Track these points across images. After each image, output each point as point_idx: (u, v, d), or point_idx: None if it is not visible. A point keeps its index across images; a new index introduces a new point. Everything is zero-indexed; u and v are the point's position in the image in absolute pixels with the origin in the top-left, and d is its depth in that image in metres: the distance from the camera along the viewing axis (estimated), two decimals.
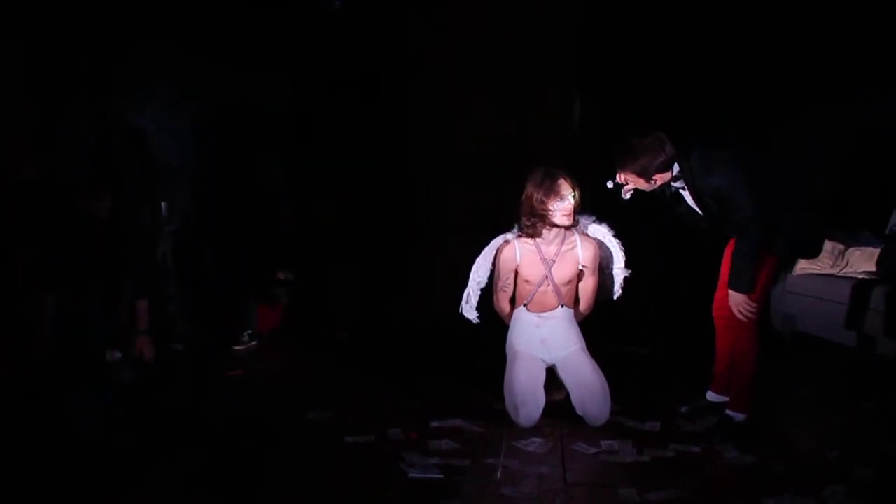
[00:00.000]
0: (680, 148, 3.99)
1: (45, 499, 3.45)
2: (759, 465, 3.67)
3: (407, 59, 6.48)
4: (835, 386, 4.81)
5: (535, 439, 3.95)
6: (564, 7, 6.47)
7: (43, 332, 4.73)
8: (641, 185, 4.04)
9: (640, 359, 5.40)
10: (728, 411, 4.09)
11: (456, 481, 3.51)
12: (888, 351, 4.66)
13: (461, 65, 6.42)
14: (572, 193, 4.22)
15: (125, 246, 4.86)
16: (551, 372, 4.31)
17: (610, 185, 4.10)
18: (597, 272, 4.41)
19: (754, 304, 3.97)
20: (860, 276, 5.05)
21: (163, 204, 5.72)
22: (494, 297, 4.43)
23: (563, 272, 4.31)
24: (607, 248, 4.44)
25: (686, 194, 4.09)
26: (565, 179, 4.23)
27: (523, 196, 4.26)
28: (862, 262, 5.11)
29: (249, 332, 5.75)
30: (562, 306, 4.34)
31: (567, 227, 4.29)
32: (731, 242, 4.07)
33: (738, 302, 3.96)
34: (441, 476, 3.55)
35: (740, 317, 3.98)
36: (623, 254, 4.44)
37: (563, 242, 4.32)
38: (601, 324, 4.63)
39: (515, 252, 4.32)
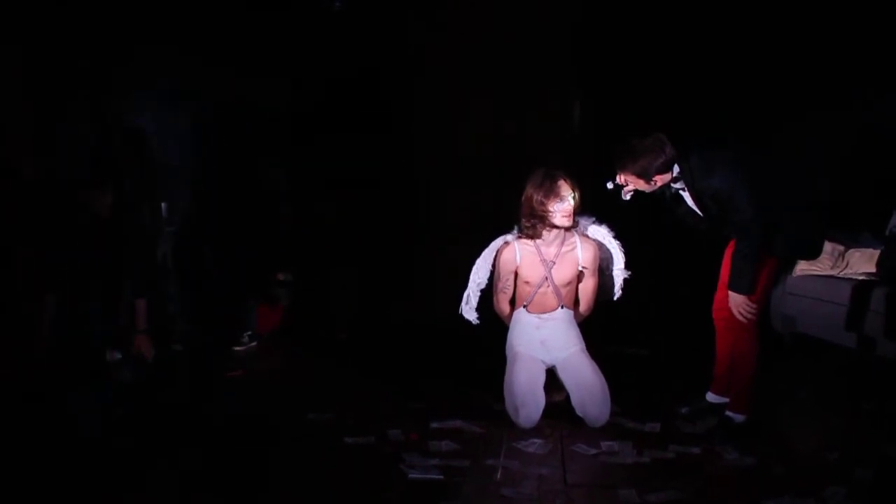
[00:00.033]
0: (680, 149, 3.99)
1: (46, 499, 3.45)
2: (759, 467, 3.67)
3: (407, 59, 6.48)
4: (835, 387, 4.81)
5: (536, 440, 3.95)
6: (564, 8, 6.47)
7: (43, 332, 4.73)
8: (641, 186, 4.04)
9: (640, 360, 5.40)
10: (728, 412, 4.09)
11: (456, 482, 3.51)
12: (888, 352, 4.67)
13: (461, 65, 6.42)
14: (572, 195, 4.22)
15: (125, 244, 4.86)
16: (551, 373, 4.31)
17: (610, 186, 4.10)
18: (597, 273, 4.41)
19: (754, 306, 3.97)
20: (860, 278, 5.05)
21: (163, 205, 5.71)
22: (494, 298, 4.43)
23: (562, 273, 4.31)
24: (607, 250, 4.44)
25: (686, 195, 4.09)
26: (565, 181, 4.23)
27: (523, 197, 4.26)
28: (862, 263, 5.11)
29: (249, 332, 5.75)
30: (562, 307, 4.34)
31: (567, 229, 4.29)
32: (731, 244, 4.07)
33: (738, 303, 3.96)
34: (441, 477, 3.55)
35: (740, 318, 3.98)
36: (623, 255, 4.44)
37: (562, 244, 4.32)
38: (601, 325, 4.63)
39: (515, 253, 4.32)
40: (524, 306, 4.37)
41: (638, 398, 4.49)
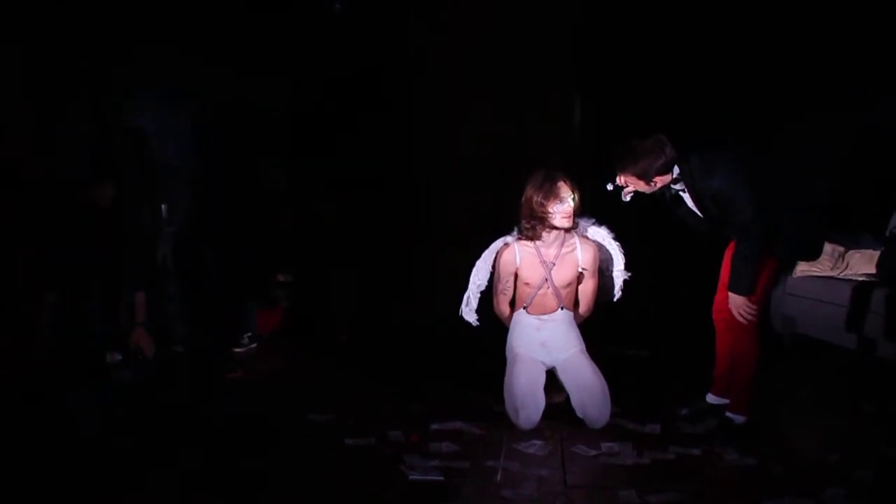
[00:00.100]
0: (680, 150, 3.99)
1: (46, 499, 3.45)
2: (759, 468, 3.68)
3: (407, 60, 6.48)
4: (835, 388, 4.81)
5: (536, 441, 3.95)
6: (564, 9, 6.47)
7: (42, 332, 4.73)
8: (641, 187, 4.04)
9: (640, 361, 5.39)
10: (728, 413, 4.09)
11: (456, 483, 3.51)
12: (888, 353, 4.67)
13: (461, 66, 6.42)
14: (572, 196, 4.22)
15: (125, 236, 4.85)
16: (551, 374, 4.31)
17: (610, 187, 4.11)
18: (596, 274, 4.41)
19: (754, 307, 3.97)
20: (860, 279, 5.05)
21: (163, 205, 5.71)
22: (494, 299, 4.43)
23: (562, 275, 4.31)
24: (607, 251, 4.44)
25: (686, 196, 4.09)
26: (565, 182, 4.23)
27: (523, 199, 4.26)
28: (862, 264, 5.12)
29: (249, 333, 5.75)
30: (562, 309, 4.34)
31: (567, 230, 4.29)
32: (731, 245, 4.07)
33: (738, 304, 3.96)
34: (441, 478, 3.55)
35: (740, 319, 3.98)
36: (623, 256, 4.44)
37: (562, 245, 4.32)
38: (601, 326, 4.63)
39: (515, 255, 4.32)
40: (524, 308, 4.37)
41: (638, 399, 4.48)
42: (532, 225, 4.25)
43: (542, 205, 4.19)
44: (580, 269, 4.35)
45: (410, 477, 3.56)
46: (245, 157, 6.13)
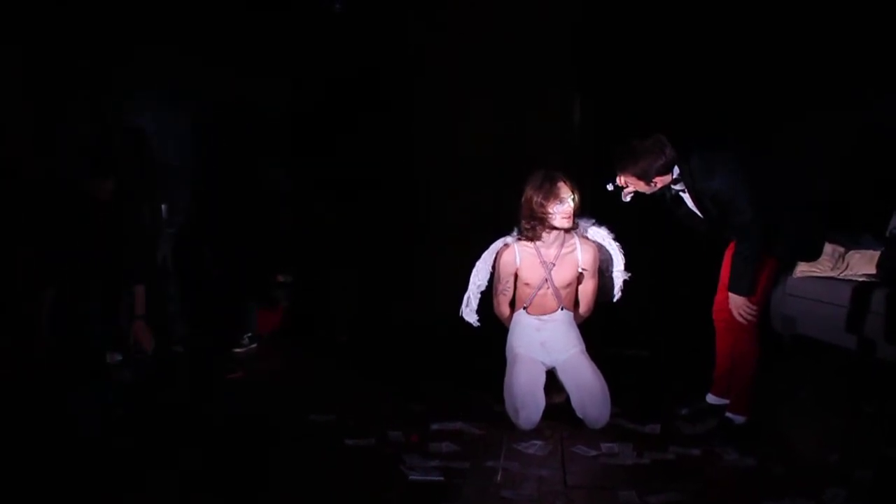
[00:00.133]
0: (680, 150, 3.98)
1: (46, 499, 3.45)
2: (759, 468, 3.67)
3: (407, 59, 6.49)
4: (835, 388, 4.81)
5: (536, 442, 3.95)
6: (564, 8, 6.47)
7: (42, 332, 4.73)
8: (641, 187, 4.04)
9: (640, 361, 5.40)
10: (728, 414, 4.09)
11: (456, 484, 3.51)
12: (888, 354, 4.67)
13: (461, 66, 6.43)
14: (572, 196, 4.22)
15: (124, 229, 4.86)
16: (551, 375, 4.31)
17: (610, 187, 4.11)
18: (596, 275, 4.40)
19: (754, 307, 3.97)
20: (860, 279, 5.05)
21: (163, 206, 5.71)
22: (494, 300, 4.42)
23: (562, 275, 4.31)
24: (607, 251, 4.44)
25: (686, 197, 4.08)
26: (565, 182, 4.23)
27: (523, 199, 4.25)
28: (862, 264, 5.12)
29: (250, 334, 5.75)
30: (562, 309, 4.34)
31: (567, 230, 4.29)
32: (732, 245, 4.07)
33: (738, 305, 3.96)
34: (441, 478, 3.55)
35: (740, 319, 3.97)
36: (623, 256, 4.43)
37: (562, 245, 4.32)
38: (601, 326, 4.63)
39: (515, 255, 4.32)
40: (524, 308, 4.37)
41: (638, 399, 4.49)
42: (532, 225, 4.25)
43: (542, 205, 4.19)
44: (580, 270, 4.35)
45: (410, 477, 3.56)
46: (245, 157, 6.13)
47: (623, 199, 4.12)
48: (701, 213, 4.07)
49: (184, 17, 5.95)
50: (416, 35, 6.52)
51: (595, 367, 4.22)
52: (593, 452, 3.85)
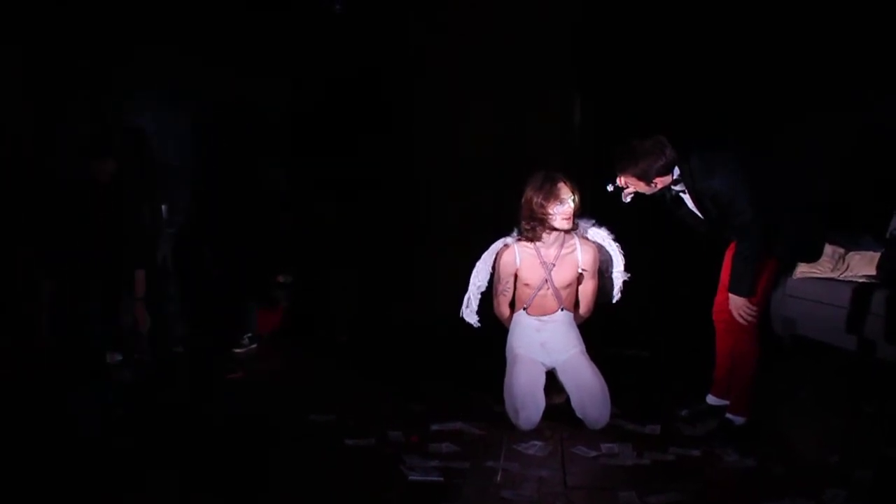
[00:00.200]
0: (680, 150, 3.98)
1: (46, 499, 3.44)
2: (759, 469, 3.67)
3: (407, 60, 6.49)
4: (835, 389, 4.81)
5: (536, 442, 3.95)
6: (564, 9, 6.48)
7: (42, 332, 4.74)
8: (642, 188, 4.04)
9: (639, 362, 5.40)
10: (728, 415, 4.09)
11: (456, 484, 3.51)
12: (888, 355, 4.66)
13: (461, 66, 6.43)
14: (572, 197, 4.22)
15: (125, 213, 4.86)
16: (551, 375, 4.30)
17: (610, 188, 4.10)
18: (596, 275, 4.40)
19: (755, 308, 3.97)
20: (860, 280, 5.05)
21: (163, 206, 5.71)
22: (494, 301, 4.42)
23: (562, 276, 4.31)
24: (607, 252, 4.44)
25: (686, 197, 4.08)
26: (565, 183, 4.23)
27: (523, 200, 4.25)
28: (862, 265, 5.12)
29: (250, 334, 5.75)
30: (562, 310, 4.34)
31: (567, 231, 4.29)
32: (732, 246, 4.07)
33: (738, 305, 3.96)
34: (441, 479, 3.55)
35: (740, 320, 3.97)
36: (622, 257, 4.43)
37: (562, 246, 4.32)
38: (601, 327, 4.63)
39: (515, 256, 4.32)
40: (524, 309, 4.37)
41: (638, 400, 4.48)
42: (532, 226, 4.25)
43: (543, 206, 4.19)
44: (580, 270, 4.35)
45: (410, 477, 3.56)
46: (245, 157, 6.13)
47: (623, 199, 4.12)
48: (701, 213, 4.07)
49: (184, 17, 5.95)
50: (417, 36, 6.52)
51: (595, 368, 4.22)
52: (593, 453, 3.84)
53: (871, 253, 5.14)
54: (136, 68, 5.90)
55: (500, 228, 4.46)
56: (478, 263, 4.42)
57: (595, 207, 4.56)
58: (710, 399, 4.30)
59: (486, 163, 6.32)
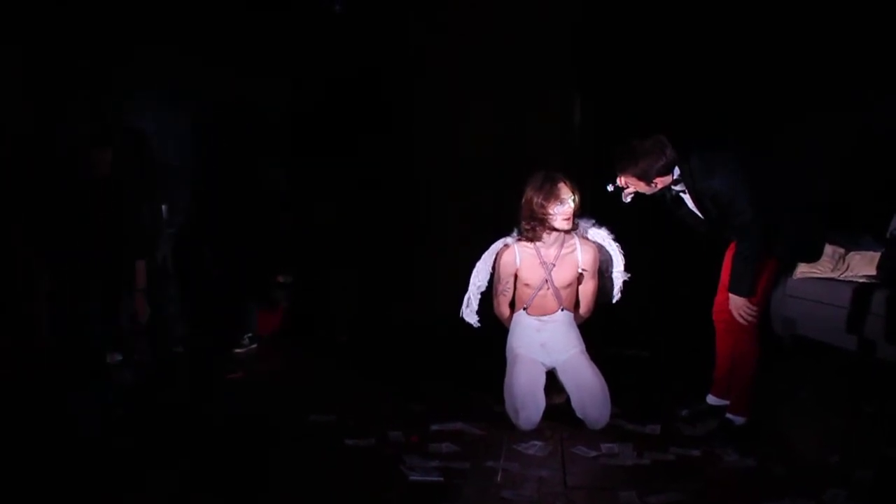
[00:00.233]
0: (680, 150, 3.98)
1: (46, 499, 3.45)
2: (759, 469, 3.67)
3: (407, 60, 6.48)
4: (835, 389, 4.81)
5: (536, 442, 3.95)
6: (564, 9, 6.47)
7: (42, 332, 4.74)
8: (642, 188, 4.04)
9: (640, 362, 5.40)
10: (728, 415, 4.09)
11: (456, 484, 3.51)
12: (888, 355, 4.66)
13: (461, 67, 6.42)
14: (572, 197, 4.22)
15: (125, 203, 4.86)
16: (551, 375, 4.30)
17: (610, 188, 4.10)
18: (596, 275, 4.40)
19: (755, 308, 3.97)
20: (861, 280, 5.05)
21: (163, 207, 5.71)
22: (494, 301, 4.42)
23: (562, 276, 4.31)
24: (607, 252, 4.44)
25: (686, 197, 4.08)
26: (565, 183, 4.23)
27: (523, 200, 4.25)
28: (862, 265, 5.11)
29: (250, 334, 5.75)
30: (562, 310, 4.34)
31: (567, 231, 4.28)
32: (732, 246, 4.07)
33: (738, 305, 3.96)
34: (441, 479, 3.55)
35: (741, 320, 3.97)
36: (623, 257, 4.43)
37: (562, 246, 4.32)
38: (601, 327, 4.63)
39: (515, 256, 4.32)
40: (524, 309, 4.37)
41: (638, 400, 4.48)
42: (532, 226, 4.25)
43: (543, 206, 4.19)
44: (580, 270, 4.35)
45: (410, 477, 3.56)
46: (245, 157, 6.12)
47: (623, 199, 4.12)
48: (701, 213, 4.07)
49: (184, 17, 5.94)
50: (417, 36, 6.51)
51: (595, 368, 4.22)
52: (593, 453, 3.85)
53: (871, 253, 5.14)
54: (136, 68, 5.89)
55: (500, 228, 4.46)
56: (478, 263, 4.42)
57: (595, 207, 4.56)
58: (711, 399, 4.30)
59: (486, 163, 6.32)
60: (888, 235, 5.24)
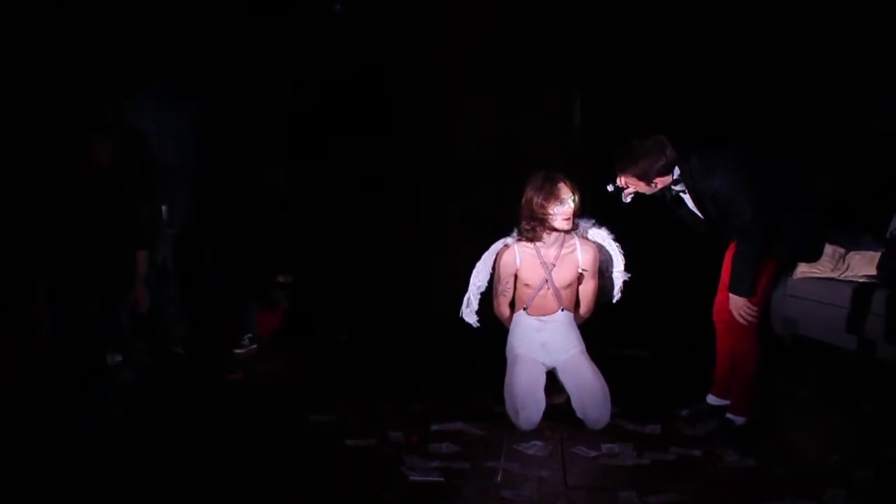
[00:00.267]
0: (680, 150, 3.98)
1: (46, 499, 3.44)
2: (759, 469, 3.67)
3: (407, 60, 6.48)
4: (835, 389, 4.81)
5: (536, 442, 3.95)
6: (564, 9, 6.47)
7: (42, 332, 4.73)
8: (642, 188, 4.04)
9: (640, 362, 5.39)
10: (729, 414, 4.09)
11: (456, 484, 3.51)
12: (888, 354, 4.67)
13: (461, 67, 6.42)
14: (572, 197, 4.22)
15: (125, 194, 4.85)
16: (551, 375, 4.30)
17: (610, 188, 4.10)
18: (596, 275, 4.40)
19: (755, 308, 3.97)
20: (861, 280, 5.05)
21: (163, 207, 5.71)
22: (494, 301, 4.42)
23: (562, 276, 4.31)
24: (607, 252, 4.44)
25: (686, 197, 4.08)
26: (565, 183, 4.23)
27: (523, 200, 4.25)
28: (862, 265, 5.12)
29: (250, 335, 5.74)
30: (562, 310, 4.34)
31: (567, 231, 4.28)
32: (732, 246, 4.07)
33: (738, 305, 3.96)
34: (441, 479, 3.55)
35: (741, 320, 3.97)
36: (623, 257, 4.43)
37: (562, 246, 4.32)
38: (601, 327, 4.63)
39: (515, 256, 4.32)
40: (524, 309, 4.36)
41: (638, 400, 4.48)
42: (532, 226, 4.25)
43: (543, 206, 4.19)
44: (580, 270, 4.35)
45: (411, 478, 3.56)
46: (245, 157, 6.12)
47: (623, 199, 4.12)
48: (701, 213, 4.07)
49: (184, 17, 5.94)
50: (417, 36, 6.51)
51: (595, 368, 4.22)
52: (594, 453, 3.85)
53: (871, 253, 5.14)
54: (136, 68, 5.89)
55: (500, 228, 4.46)
56: (478, 264, 4.42)
57: (595, 207, 4.56)
58: (711, 399, 4.30)
59: (486, 163, 6.32)
60: (888, 235, 5.24)
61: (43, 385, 4.65)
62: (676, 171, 3.99)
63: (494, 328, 4.47)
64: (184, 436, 4.09)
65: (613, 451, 3.86)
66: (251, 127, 6.23)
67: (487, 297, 4.43)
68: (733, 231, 3.98)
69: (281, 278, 6.08)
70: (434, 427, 4.14)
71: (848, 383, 4.85)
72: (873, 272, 5.07)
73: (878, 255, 5.13)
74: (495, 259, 4.38)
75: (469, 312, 4.43)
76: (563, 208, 4.20)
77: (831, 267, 5.17)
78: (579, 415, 4.14)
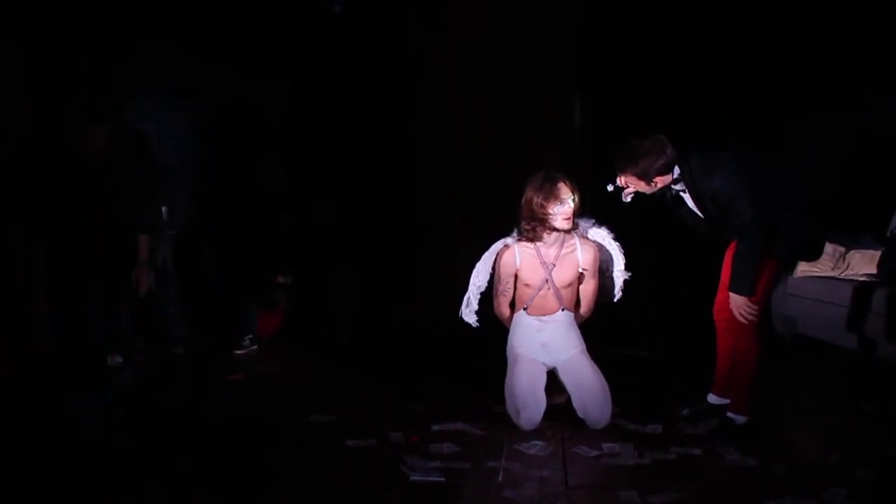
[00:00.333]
0: (680, 150, 3.99)
1: (46, 499, 3.44)
2: (760, 468, 3.67)
3: (407, 60, 6.48)
4: (836, 388, 4.81)
5: (537, 442, 3.95)
6: (564, 9, 6.47)
7: (42, 332, 4.73)
8: (642, 187, 4.04)
9: (640, 361, 5.39)
10: (729, 414, 4.09)
11: (457, 484, 3.51)
12: (889, 353, 4.67)
13: (461, 66, 6.42)
14: (572, 197, 4.22)
15: (124, 179, 4.84)
16: (552, 375, 4.30)
17: (610, 188, 4.11)
18: (597, 275, 4.40)
19: (755, 307, 3.97)
20: (861, 279, 5.05)
21: (163, 208, 5.71)
22: (494, 301, 4.42)
23: (563, 275, 4.31)
24: (607, 251, 4.44)
25: (686, 197, 4.09)
26: (565, 183, 4.23)
27: (523, 200, 4.25)
28: (863, 264, 5.12)
29: (250, 336, 5.74)
30: (562, 310, 4.33)
31: (567, 231, 4.28)
32: (732, 245, 4.07)
33: (738, 305, 3.96)
34: (442, 479, 3.55)
35: (741, 319, 3.97)
36: (623, 256, 4.43)
37: (562, 246, 4.32)
38: (601, 326, 4.63)
39: (515, 256, 4.32)
40: (524, 309, 4.36)
41: (639, 400, 4.48)
42: (532, 226, 4.25)
43: (543, 206, 4.19)
44: (580, 270, 4.35)
45: (411, 478, 3.56)
46: (245, 157, 6.11)
47: (623, 199, 4.12)
48: (701, 213, 4.07)
49: (184, 17, 5.94)
50: (417, 36, 6.51)
51: (596, 368, 4.22)
52: (594, 453, 3.85)
53: (871, 251, 5.14)
54: (136, 68, 5.88)
55: (500, 228, 4.46)
56: (478, 264, 4.42)
57: (595, 207, 4.56)
58: (711, 398, 4.30)
59: (486, 163, 6.32)
60: (888, 234, 5.24)
61: (43, 385, 4.65)
62: (676, 170, 3.99)
63: (494, 328, 4.47)
64: (184, 436, 4.09)
65: (614, 450, 3.86)
66: (251, 127, 6.22)
67: (487, 297, 4.43)
68: (733, 231, 3.98)
69: (281, 279, 6.07)
70: (434, 427, 4.14)
71: (848, 382, 4.86)
72: (873, 271, 5.07)
73: (878, 253, 5.13)
74: (495, 259, 4.38)
75: (469, 312, 4.43)
76: (563, 208, 4.20)
77: (831, 265, 5.17)
78: (580, 414, 4.14)
